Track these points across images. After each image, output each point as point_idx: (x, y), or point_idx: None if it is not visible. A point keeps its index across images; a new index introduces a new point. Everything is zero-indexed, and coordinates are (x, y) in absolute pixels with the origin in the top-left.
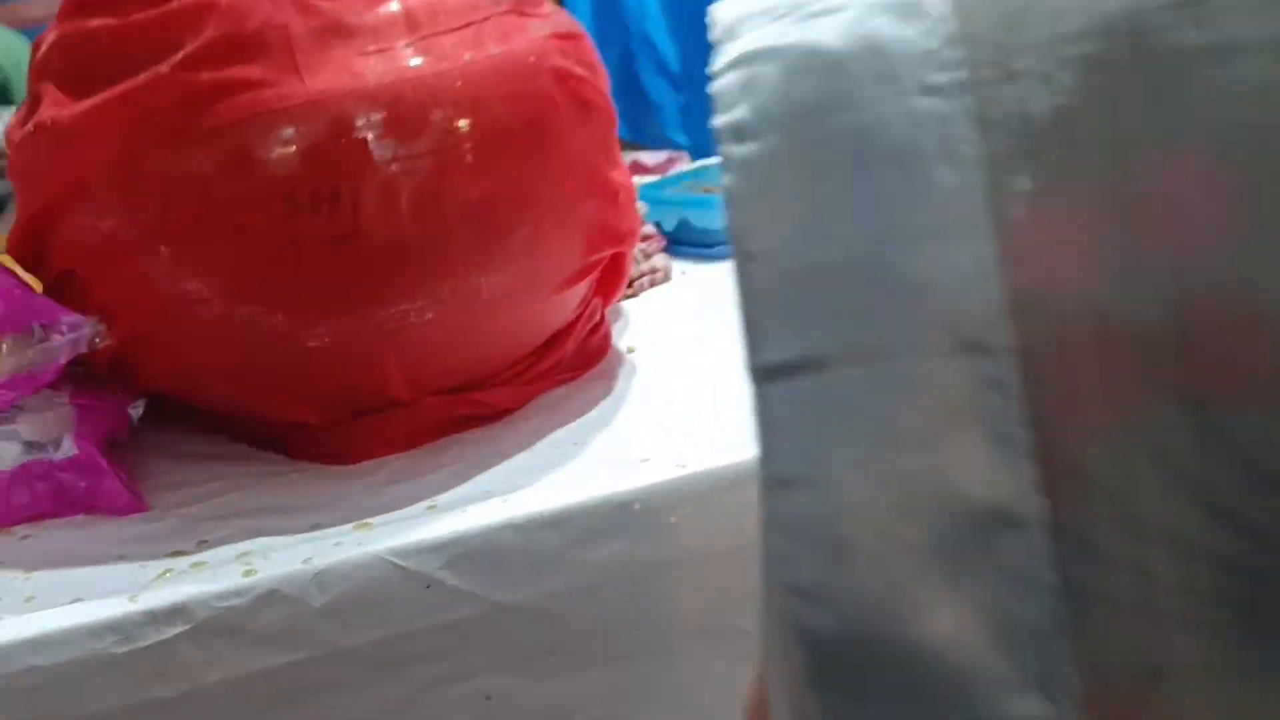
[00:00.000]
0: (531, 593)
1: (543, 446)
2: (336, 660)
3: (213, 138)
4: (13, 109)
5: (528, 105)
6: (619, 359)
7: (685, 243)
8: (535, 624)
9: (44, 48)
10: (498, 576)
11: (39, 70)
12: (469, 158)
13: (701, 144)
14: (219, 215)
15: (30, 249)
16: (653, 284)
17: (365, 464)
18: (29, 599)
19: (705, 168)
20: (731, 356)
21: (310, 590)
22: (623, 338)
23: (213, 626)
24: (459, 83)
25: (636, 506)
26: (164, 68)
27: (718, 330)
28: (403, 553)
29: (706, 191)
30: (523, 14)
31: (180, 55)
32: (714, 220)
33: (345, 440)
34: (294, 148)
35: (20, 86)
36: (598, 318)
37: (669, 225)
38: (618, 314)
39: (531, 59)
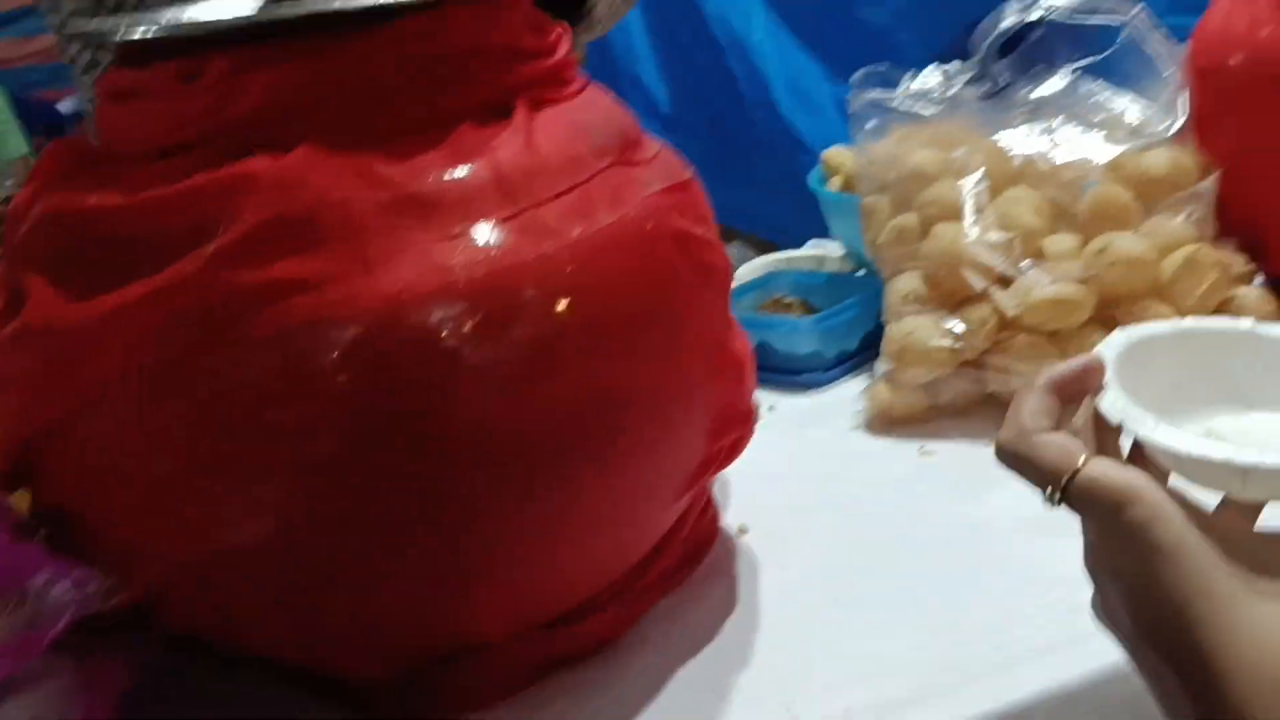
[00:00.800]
0: None
1: (675, 690)
2: None
3: (261, 351)
4: None
5: (648, 282)
6: (732, 547)
7: (766, 368)
8: None
9: (24, 228)
10: None
11: (19, 255)
12: (579, 352)
13: None
14: (273, 443)
15: (15, 474)
16: None
17: None
18: None
19: (771, 274)
20: (881, 524)
21: None
22: (727, 511)
23: None
24: (570, 267)
25: None
26: (192, 263)
27: (842, 489)
28: None
29: (781, 306)
30: (630, 163)
31: (213, 247)
32: (800, 343)
33: (425, 696)
34: (365, 360)
35: None
36: (705, 499)
37: None
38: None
39: (649, 225)
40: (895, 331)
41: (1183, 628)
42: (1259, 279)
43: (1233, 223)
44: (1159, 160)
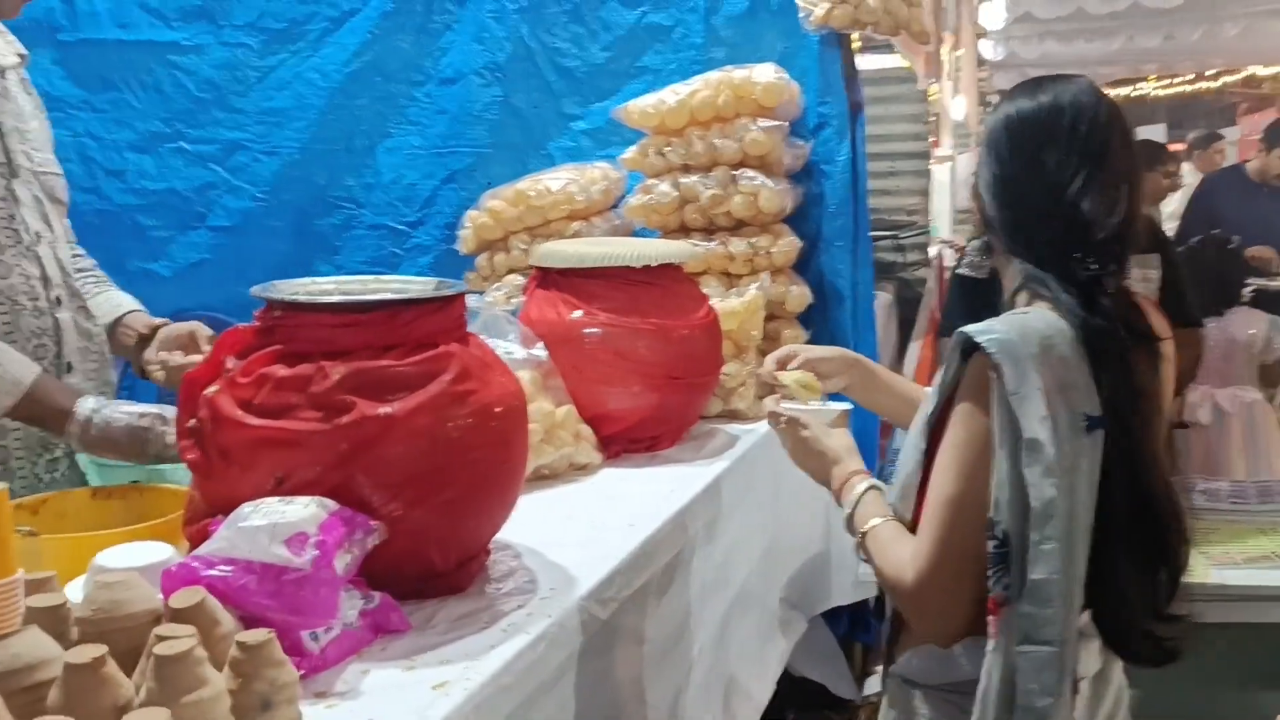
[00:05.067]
0: None
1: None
2: None
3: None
4: None
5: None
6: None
7: None
8: None
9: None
10: None
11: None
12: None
13: None
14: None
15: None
16: None
17: None
18: None
19: None
20: None
21: None
22: None
23: None
24: (499, 406)
25: None
26: (439, 385)
27: None
28: None
29: None
30: None
31: (449, 378)
32: None
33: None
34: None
35: None
36: None
37: None
38: None
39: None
40: None
41: (823, 455)
42: None
43: None
44: None
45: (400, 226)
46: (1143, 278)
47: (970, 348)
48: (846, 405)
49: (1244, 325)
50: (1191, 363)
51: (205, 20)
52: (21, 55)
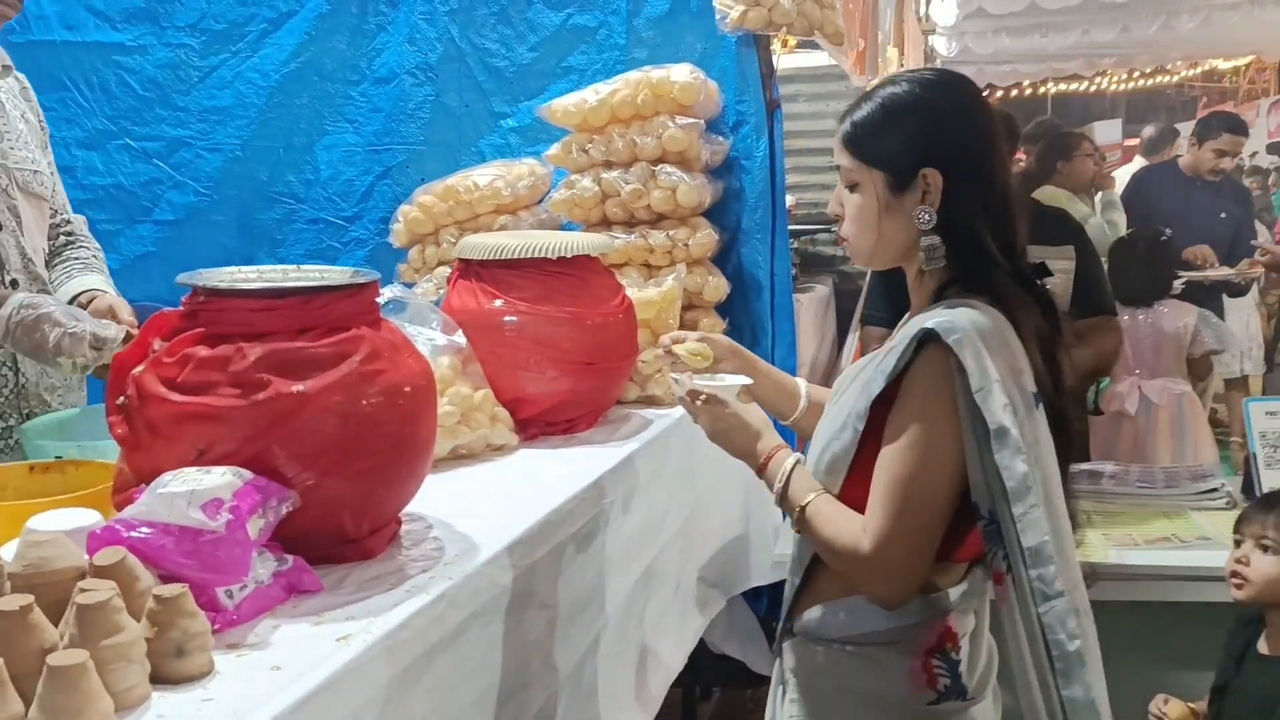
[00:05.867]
0: None
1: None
2: None
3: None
4: None
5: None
6: None
7: None
8: None
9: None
10: None
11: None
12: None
13: None
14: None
15: None
16: None
17: None
18: None
19: None
20: None
21: None
22: None
23: None
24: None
25: None
26: (349, 366)
27: None
28: None
29: None
30: None
31: (358, 359)
32: None
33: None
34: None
35: None
36: None
37: None
38: None
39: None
40: None
41: (746, 429)
42: None
43: None
44: None
45: (338, 221)
46: (1061, 269)
47: (926, 339)
48: (745, 379)
49: (1173, 318)
50: (1110, 351)
51: (149, 22)
52: (6, 66)
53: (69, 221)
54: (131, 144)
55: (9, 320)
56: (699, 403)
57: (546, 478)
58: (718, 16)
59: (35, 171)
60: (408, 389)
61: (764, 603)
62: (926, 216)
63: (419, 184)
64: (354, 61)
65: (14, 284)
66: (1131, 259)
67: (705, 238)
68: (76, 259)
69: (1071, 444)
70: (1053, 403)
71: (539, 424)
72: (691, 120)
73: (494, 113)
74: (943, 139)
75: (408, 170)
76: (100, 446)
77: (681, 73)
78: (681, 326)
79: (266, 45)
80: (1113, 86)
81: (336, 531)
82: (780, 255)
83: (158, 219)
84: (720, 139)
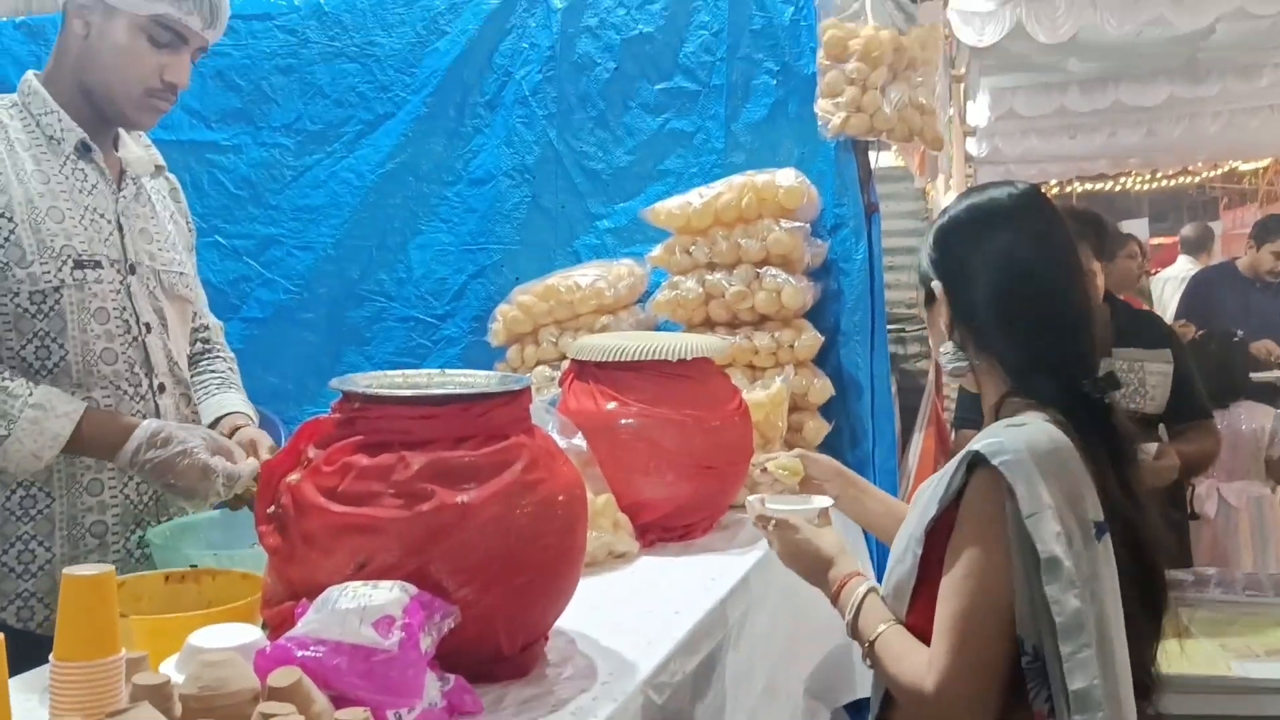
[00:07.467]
0: None
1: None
2: None
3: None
4: None
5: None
6: None
7: None
8: None
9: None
10: None
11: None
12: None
13: None
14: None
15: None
16: None
17: None
18: None
19: None
20: None
21: None
22: None
23: None
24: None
25: None
26: (512, 475)
27: None
28: None
29: None
30: None
31: (520, 467)
32: None
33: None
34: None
35: None
36: None
37: None
38: None
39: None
40: None
41: (818, 556)
42: None
43: None
44: None
45: (430, 319)
46: (1160, 372)
47: (976, 462)
48: (828, 501)
49: (1250, 419)
50: (1210, 453)
51: (244, 122)
52: (159, 166)
53: (207, 327)
54: (222, 241)
55: (136, 454)
56: (770, 528)
57: (675, 589)
58: (820, 123)
59: (181, 274)
60: (563, 498)
61: (865, 715)
62: (942, 325)
63: (513, 283)
64: (450, 163)
65: (160, 388)
66: (1204, 360)
67: (811, 339)
68: (214, 372)
69: (1154, 571)
70: (1130, 523)
71: (656, 529)
72: (797, 224)
73: (590, 214)
74: (945, 254)
75: (502, 270)
76: (237, 555)
77: (787, 177)
78: (786, 429)
79: (362, 146)
80: (1136, 186)
81: (491, 648)
82: (880, 356)
83: (245, 316)
84: (820, 241)
